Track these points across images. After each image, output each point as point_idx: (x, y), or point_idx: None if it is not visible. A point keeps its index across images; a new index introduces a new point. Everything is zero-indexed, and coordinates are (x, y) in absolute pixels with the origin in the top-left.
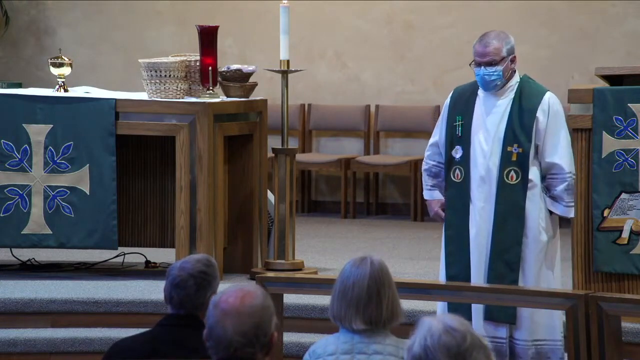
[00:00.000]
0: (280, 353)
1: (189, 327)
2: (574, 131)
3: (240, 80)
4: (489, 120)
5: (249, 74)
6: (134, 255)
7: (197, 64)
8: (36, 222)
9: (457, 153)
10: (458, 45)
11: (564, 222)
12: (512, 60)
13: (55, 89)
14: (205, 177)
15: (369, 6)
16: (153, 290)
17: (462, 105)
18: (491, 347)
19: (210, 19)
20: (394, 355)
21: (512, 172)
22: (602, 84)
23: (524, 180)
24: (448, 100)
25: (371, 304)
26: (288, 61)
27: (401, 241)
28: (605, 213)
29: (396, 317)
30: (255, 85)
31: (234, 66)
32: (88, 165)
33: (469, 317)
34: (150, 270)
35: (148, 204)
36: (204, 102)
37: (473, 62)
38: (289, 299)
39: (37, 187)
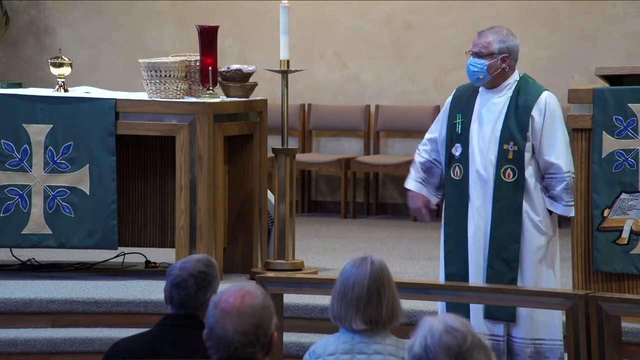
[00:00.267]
0: (280, 353)
1: (189, 327)
2: (574, 131)
3: (240, 80)
4: (487, 118)
5: (249, 74)
6: (134, 255)
7: (197, 64)
8: (36, 222)
9: (457, 150)
10: (458, 45)
11: (564, 222)
12: (503, 60)
13: (55, 89)
14: (205, 177)
15: (369, 6)
16: (153, 290)
17: (463, 103)
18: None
19: (210, 19)
20: (394, 355)
21: (509, 170)
22: (602, 84)
23: (521, 178)
24: (450, 98)
25: (371, 304)
26: (288, 61)
27: (401, 241)
28: (605, 213)
29: (396, 317)
30: (255, 85)
31: (234, 66)
32: (88, 165)
33: (467, 315)
34: (150, 270)
35: (148, 204)
36: (204, 102)
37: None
38: (289, 299)
39: (37, 187)
